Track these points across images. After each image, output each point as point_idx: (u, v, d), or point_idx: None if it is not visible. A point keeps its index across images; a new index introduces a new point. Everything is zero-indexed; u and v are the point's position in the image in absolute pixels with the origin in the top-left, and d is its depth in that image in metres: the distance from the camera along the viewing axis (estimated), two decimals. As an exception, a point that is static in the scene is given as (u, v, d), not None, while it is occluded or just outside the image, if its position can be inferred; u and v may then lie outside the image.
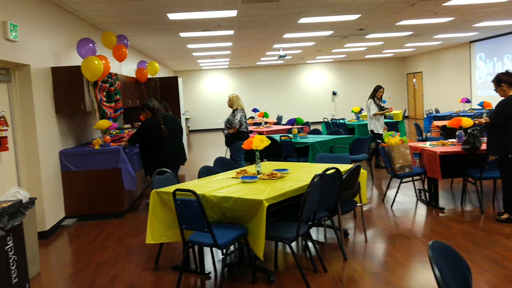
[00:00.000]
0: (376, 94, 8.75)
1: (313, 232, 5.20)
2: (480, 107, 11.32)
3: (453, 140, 6.23)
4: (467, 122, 6.01)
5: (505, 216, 5.12)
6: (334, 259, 4.30)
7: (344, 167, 4.64)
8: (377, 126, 8.77)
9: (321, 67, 22.10)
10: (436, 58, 19.38)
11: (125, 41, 8.10)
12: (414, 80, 21.58)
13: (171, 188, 4.03)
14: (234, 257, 4.50)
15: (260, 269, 4.03)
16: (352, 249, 4.58)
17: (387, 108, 8.87)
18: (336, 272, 4.00)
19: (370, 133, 8.91)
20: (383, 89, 8.90)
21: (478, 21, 11.10)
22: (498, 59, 14.92)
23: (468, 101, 12.72)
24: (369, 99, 8.81)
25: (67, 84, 6.13)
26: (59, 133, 6.23)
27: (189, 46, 12.37)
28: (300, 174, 4.53)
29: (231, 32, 10.18)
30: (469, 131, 5.53)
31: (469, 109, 12.95)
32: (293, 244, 4.77)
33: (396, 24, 10.52)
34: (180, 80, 10.51)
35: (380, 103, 8.81)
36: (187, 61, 17.31)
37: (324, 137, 8.20)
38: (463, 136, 5.87)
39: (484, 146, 5.41)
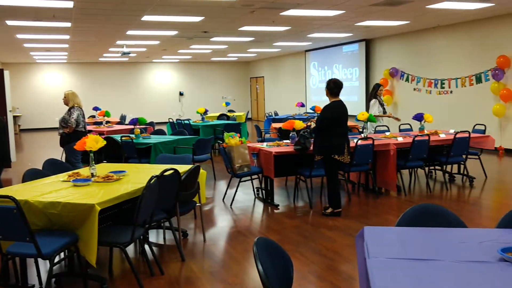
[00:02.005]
0: (377, 92, 8.22)
1: (153, 234, 5.09)
2: (312, 111, 12.34)
3: (287, 141, 6.67)
4: (299, 124, 6.48)
5: (330, 210, 5.64)
6: (172, 261, 4.26)
7: (184, 168, 4.63)
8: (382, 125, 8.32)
9: (168, 67, 21.92)
10: (276, 64, 20.64)
11: None
12: (257, 86, 22.68)
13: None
14: (65, 266, 4.18)
15: (92, 277, 3.80)
16: (191, 250, 4.59)
17: (384, 105, 8.40)
18: (173, 274, 3.97)
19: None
20: (383, 87, 8.48)
21: (311, 32, 12.10)
22: (329, 68, 16.47)
23: (303, 105, 13.80)
24: (372, 98, 8.28)
25: None
26: None
27: (19, 36, 11.20)
28: (138, 176, 4.39)
29: (68, 24, 9.49)
30: (300, 133, 5.98)
31: (304, 113, 14.03)
32: (131, 248, 4.62)
33: (239, 29, 10.91)
34: (6, 73, 9.45)
35: (383, 102, 8.35)
36: (17, 53, 15.67)
37: (167, 137, 8.12)
38: (295, 137, 6.31)
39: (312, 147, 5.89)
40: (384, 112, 8.26)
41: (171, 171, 4.05)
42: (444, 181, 7.38)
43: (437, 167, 7.74)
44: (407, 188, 6.99)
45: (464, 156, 7.15)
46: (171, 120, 11.93)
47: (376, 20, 10.27)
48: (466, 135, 6.87)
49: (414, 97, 12.81)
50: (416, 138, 6.49)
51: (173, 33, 11.37)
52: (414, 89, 12.79)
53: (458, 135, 6.79)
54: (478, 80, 10.76)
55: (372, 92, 8.33)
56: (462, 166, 7.53)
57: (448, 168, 7.75)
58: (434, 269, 1.96)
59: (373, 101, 8.22)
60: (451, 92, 11.59)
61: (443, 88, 11.80)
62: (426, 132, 7.36)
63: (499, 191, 6.92)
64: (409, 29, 12.25)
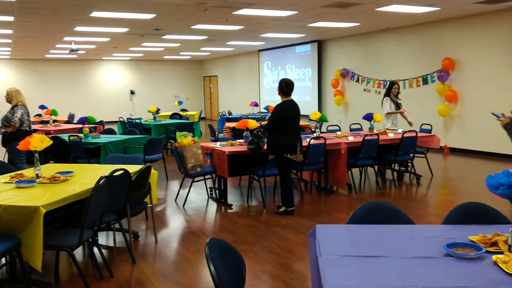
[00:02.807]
0: (391, 91, 8.10)
1: (103, 236, 4.95)
2: (266, 111, 12.40)
3: (241, 140, 6.66)
4: (253, 124, 6.49)
5: (283, 209, 5.68)
6: (122, 263, 4.15)
7: (135, 168, 4.52)
8: (394, 125, 8.16)
9: (119, 65, 21.41)
10: (230, 63, 20.61)
11: None
12: (211, 85, 22.56)
13: None
14: (6, 272, 3.98)
15: (37, 283, 3.65)
16: (142, 251, 4.49)
17: (400, 104, 8.15)
18: (124, 276, 3.86)
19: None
20: (398, 85, 8.27)
21: (264, 32, 12.15)
22: (282, 68, 16.61)
23: (256, 104, 13.85)
24: (384, 96, 8.18)
25: None
26: None
27: (-42, 30, 10.61)
28: (87, 177, 4.25)
29: (11, 18, 9.06)
30: (254, 132, 5.98)
31: (258, 112, 14.08)
32: (79, 252, 4.46)
33: (191, 27, 10.80)
34: None
35: (398, 100, 8.13)
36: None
37: (118, 137, 7.92)
38: (249, 137, 6.31)
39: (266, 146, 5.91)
40: (397, 109, 8.09)
41: (121, 172, 3.94)
42: (393, 179, 7.60)
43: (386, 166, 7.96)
44: (357, 186, 7.15)
45: (411, 155, 7.39)
46: (121, 119, 11.66)
47: (328, 21, 10.44)
48: (413, 134, 7.10)
49: (364, 97, 13.13)
50: (366, 138, 6.64)
51: (123, 30, 11.11)
52: (364, 89, 13.11)
53: (405, 135, 7.01)
54: (425, 81, 11.17)
55: (386, 90, 8.26)
56: (409, 164, 7.79)
57: (397, 166, 8.00)
58: (383, 265, 2.00)
59: (385, 98, 8.16)
60: (399, 93, 11.94)
61: (392, 89, 12.14)
62: (375, 131, 7.56)
63: (445, 189, 7.20)
64: (360, 31, 12.55)
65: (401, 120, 8.52)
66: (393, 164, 7.73)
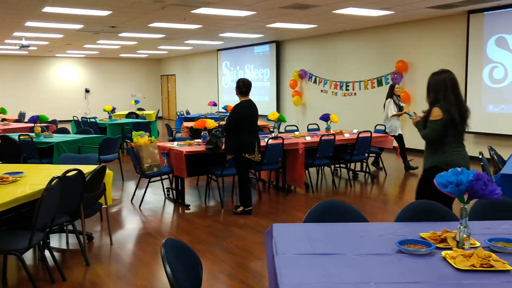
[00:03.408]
0: (393, 92, 8.09)
1: (55, 239, 4.79)
2: (224, 110, 12.38)
3: (199, 140, 6.62)
4: (211, 123, 6.46)
5: (241, 209, 5.69)
6: (75, 266, 4.03)
7: (89, 168, 4.41)
8: (396, 127, 8.16)
9: (73, 62, 20.81)
10: (188, 63, 20.43)
11: None
12: (168, 84, 22.29)
13: None
14: (-50, 278, 3.79)
15: (-16, 288, 3.49)
16: (96, 254, 4.38)
17: (402, 107, 8.20)
18: (77, 279, 3.76)
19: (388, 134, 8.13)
20: (399, 85, 8.32)
21: (223, 31, 12.12)
22: (240, 68, 16.63)
23: (215, 104, 13.80)
24: (387, 98, 8.14)
25: None
26: None
27: None
28: (38, 177, 4.10)
29: (-43, 11, 8.65)
30: (212, 132, 5.95)
31: (216, 112, 14.04)
32: (29, 255, 4.30)
33: (149, 25, 10.64)
34: None
35: (400, 102, 8.17)
36: None
37: (72, 136, 7.69)
38: (207, 137, 6.27)
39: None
40: (400, 111, 8.11)
41: (75, 172, 3.83)
42: (348, 178, 7.76)
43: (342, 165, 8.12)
44: (314, 186, 7.25)
45: (366, 155, 7.57)
46: (76, 118, 11.35)
47: (286, 22, 10.54)
48: (368, 135, 7.27)
49: (321, 98, 13.34)
50: (323, 138, 6.74)
51: (78, 26, 10.80)
52: (322, 90, 13.32)
53: (361, 135, 7.17)
54: (379, 83, 11.46)
55: (388, 92, 8.23)
56: (364, 164, 7.98)
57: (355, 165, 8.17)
58: (338, 262, 2.04)
59: (387, 100, 8.15)
60: (355, 94, 12.22)
61: (348, 90, 12.41)
62: (332, 132, 7.69)
63: (398, 187, 7.42)
64: (317, 33, 12.73)
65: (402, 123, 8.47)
66: (348, 164, 7.89)
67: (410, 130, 8.34)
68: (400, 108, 8.11)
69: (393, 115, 8.07)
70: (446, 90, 3.64)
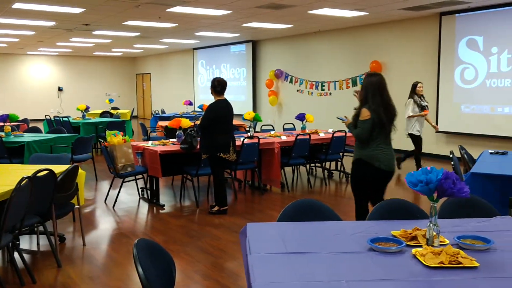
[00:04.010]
0: (415, 91, 7.58)
1: (25, 240, 4.69)
2: (200, 110, 12.32)
3: (174, 139, 6.57)
4: (186, 122, 6.41)
5: (216, 208, 5.67)
6: (46, 268, 3.95)
7: (62, 168, 4.33)
8: (418, 128, 7.70)
9: (45, 60, 20.38)
10: (163, 61, 20.26)
11: None
12: (144, 83, 22.06)
13: None
14: None
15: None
16: (69, 255, 4.31)
17: (425, 106, 7.65)
18: (47, 281, 3.68)
19: (408, 137, 7.83)
20: (422, 84, 7.72)
21: (199, 30, 12.06)
22: (217, 67, 16.58)
23: (191, 103, 13.72)
24: (408, 98, 7.64)
25: None
26: None
27: None
28: (7, 177, 4.02)
29: None
30: (187, 131, 5.92)
31: (192, 111, 13.96)
32: (-2, 257, 4.20)
33: (123, 23, 10.51)
34: None
35: (423, 102, 7.60)
36: None
37: (43, 135, 7.54)
38: (182, 136, 6.23)
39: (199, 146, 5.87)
40: (422, 111, 7.59)
41: (46, 172, 3.76)
42: (324, 177, 7.82)
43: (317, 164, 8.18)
44: (290, 185, 7.28)
45: (341, 154, 7.64)
46: (48, 117, 11.13)
47: (262, 22, 10.55)
48: (343, 134, 7.34)
49: (297, 98, 13.41)
50: (298, 137, 6.78)
51: (50, 23, 10.59)
52: (297, 90, 13.38)
53: (335, 134, 7.23)
54: (354, 83, 11.59)
55: (410, 92, 7.71)
56: (339, 163, 8.05)
57: (329, 165, 8.24)
58: (311, 261, 2.06)
59: (408, 100, 7.66)
60: (330, 94, 12.33)
61: (323, 90, 12.51)
62: (307, 131, 7.73)
63: (371, 186, 7.49)
64: (293, 33, 12.79)
65: (427, 124, 8.04)
66: (324, 163, 7.94)
67: (424, 134, 8.06)
68: (422, 108, 7.58)
69: (409, 116, 7.62)
70: (375, 92, 3.94)
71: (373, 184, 4.12)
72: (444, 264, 1.96)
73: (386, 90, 4.01)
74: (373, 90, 3.94)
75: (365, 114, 3.94)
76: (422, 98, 7.70)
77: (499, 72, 8.67)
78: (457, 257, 2.00)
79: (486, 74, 8.86)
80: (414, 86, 7.70)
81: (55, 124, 10.55)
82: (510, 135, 8.58)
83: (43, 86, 20.40)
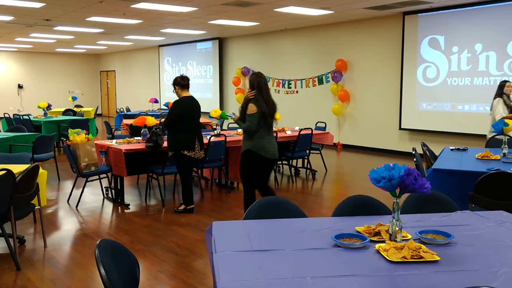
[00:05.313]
0: (504, 90, 6.78)
1: (-17, 243, 4.52)
2: (166, 107, 12.18)
3: (139, 138, 6.46)
4: (151, 120, 6.32)
5: (182, 207, 5.61)
6: (4, 272, 3.82)
7: (21, 168, 4.20)
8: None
9: (4, 56, 19.71)
10: (128, 58, 19.92)
11: None
12: (108, 80, 21.64)
13: None
14: None
15: None
16: (29, 257, 4.17)
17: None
18: (5, 285, 3.56)
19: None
20: (510, 83, 6.86)
21: (164, 27, 11.91)
22: (183, 64, 16.42)
23: (156, 101, 13.54)
24: (495, 97, 6.82)
25: None
26: None
27: None
28: (-38, 178, 3.84)
29: None
30: (152, 129, 5.83)
31: (158, 109, 13.79)
32: (-46, 261, 4.03)
33: (86, 19, 10.26)
34: None
35: (511, 102, 6.81)
36: None
37: (2, 134, 7.29)
38: (147, 134, 6.13)
39: (166, 144, 5.79)
40: (511, 112, 6.79)
41: (3, 172, 3.62)
42: (290, 175, 7.87)
43: (284, 162, 8.22)
44: (257, 183, 7.27)
45: (307, 151, 7.71)
46: (7, 116, 10.76)
47: (228, 19, 10.51)
48: (309, 132, 7.40)
49: (264, 95, 13.41)
50: (265, 135, 6.77)
51: (8, 18, 10.24)
52: (264, 88, 13.39)
53: (302, 132, 7.28)
54: (320, 81, 11.70)
55: (497, 90, 6.91)
56: (306, 160, 8.12)
57: (296, 162, 8.29)
58: (276, 258, 2.05)
59: (496, 100, 6.82)
60: (297, 92, 12.41)
61: (290, 88, 12.58)
62: (274, 129, 7.74)
63: (337, 183, 7.61)
64: (260, 31, 12.80)
65: None
66: (290, 160, 7.99)
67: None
68: (511, 109, 6.81)
69: (503, 118, 6.46)
70: (260, 89, 4.53)
71: (260, 171, 4.70)
72: (406, 258, 2.00)
73: (267, 88, 4.63)
74: (259, 87, 4.53)
75: (252, 108, 4.49)
76: (509, 97, 6.91)
77: (459, 70, 8.93)
78: (418, 252, 2.04)
79: (447, 72, 9.11)
80: (502, 85, 6.89)
81: (15, 122, 10.22)
82: (470, 132, 8.86)
83: (2, 83, 19.73)
